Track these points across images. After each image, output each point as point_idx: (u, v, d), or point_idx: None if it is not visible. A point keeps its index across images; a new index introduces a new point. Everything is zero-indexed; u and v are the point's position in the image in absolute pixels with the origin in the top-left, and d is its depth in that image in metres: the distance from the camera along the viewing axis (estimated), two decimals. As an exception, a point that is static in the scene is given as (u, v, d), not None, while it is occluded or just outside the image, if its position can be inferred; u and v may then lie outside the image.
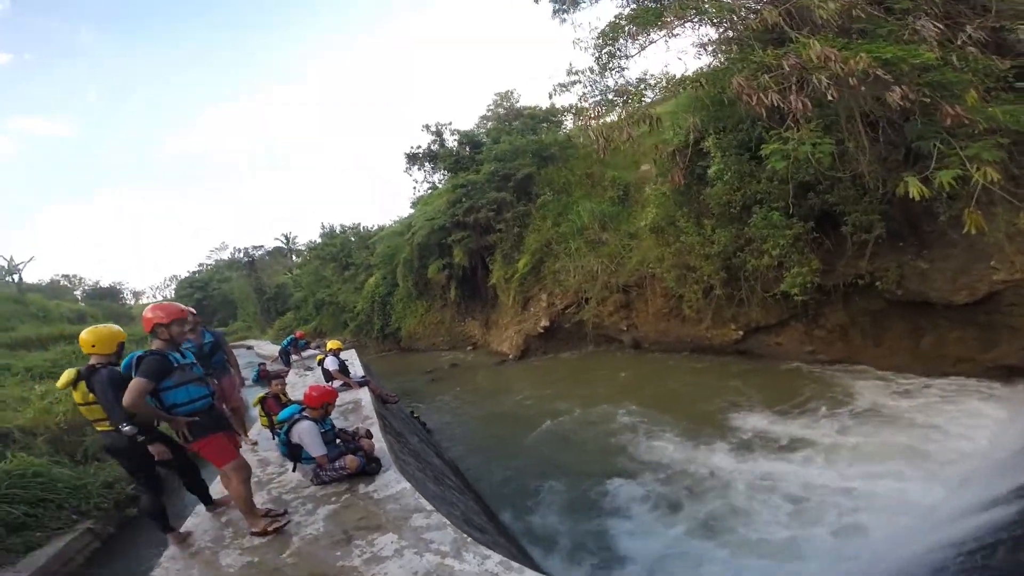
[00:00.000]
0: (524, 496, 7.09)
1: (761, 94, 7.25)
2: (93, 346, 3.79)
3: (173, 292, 57.85)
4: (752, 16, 8.67)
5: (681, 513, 6.03)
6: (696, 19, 9.44)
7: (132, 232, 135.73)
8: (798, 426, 7.57)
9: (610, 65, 10.80)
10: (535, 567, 4.60)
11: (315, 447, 4.29)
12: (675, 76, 10.39)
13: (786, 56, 7.17)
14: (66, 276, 51.88)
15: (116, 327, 4.01)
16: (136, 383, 3.31)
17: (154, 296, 62.35)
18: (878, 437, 6.78)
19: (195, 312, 5.15)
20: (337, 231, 35.92)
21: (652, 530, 5.84)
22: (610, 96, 10.90)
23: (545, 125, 22.01)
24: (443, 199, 20.60)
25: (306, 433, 4.29)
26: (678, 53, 11.73)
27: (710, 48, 9.92)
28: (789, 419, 7.85)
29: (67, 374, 3.85)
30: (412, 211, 26.38)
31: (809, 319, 9.96)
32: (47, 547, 6.13)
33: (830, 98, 6.91)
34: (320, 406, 4.51)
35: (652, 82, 10.55)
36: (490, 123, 24.29)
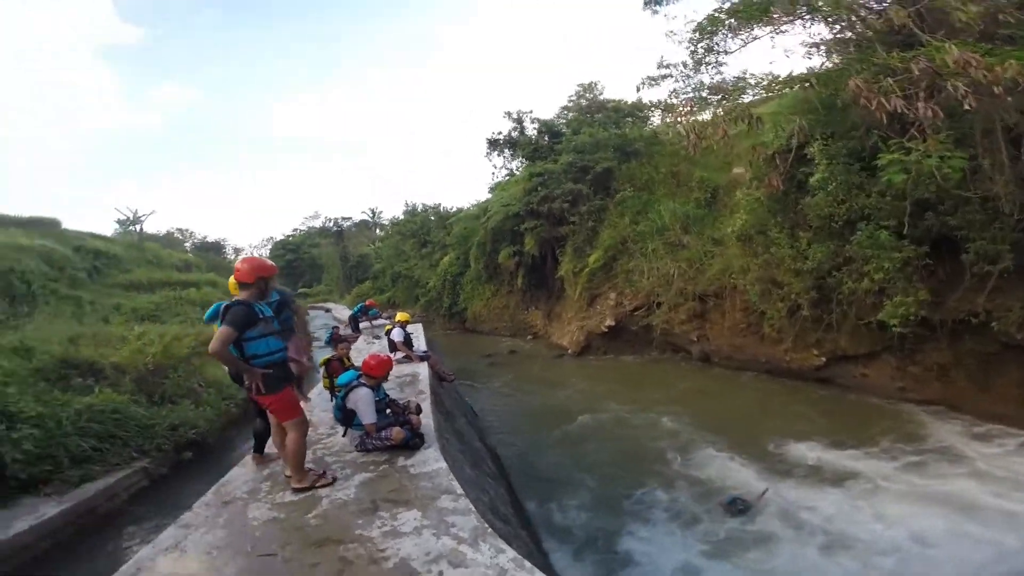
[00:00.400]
0: (553, 487, 7.12)
1: (882, 99, 6.60)
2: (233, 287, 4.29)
3: (268, 251, 62.54)
4: (875, 16, 7.91)
5: (700, 527, 5.88)
6: (808, 16, 8.74)
7: (238, 194, 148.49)
8: (853, 459, 7.04)
9: (706, 60, 10.26)
10: (546, 566, 4.66)
11: (367, 414, 4.41)
12: (779, 76, 9.60)
13: (915, 60, 6.48)
14: (180, 229, 57.47)
15: (261, 263, 4.41)
16: (222, 331, 3.40)
17: (252, 252, 67.41)
18: (938, 482, 6.20)
19: None
20: (419, 209, 37.02)
21: (667, 540, 5.74)
22: (704, 93, 10.35)
23: (630, 119, 21.19)
24: (519, 186, 20.58)
25: (361, 400, 4.43)
26: (785, 51, 10.69)
27: (822, 48, 9.12)
28: (848, 451, 7.28)
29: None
30: (489, 196, 26.69)
31: (905, 353, 8.96)
32: (99, 481, 6.25)
33: (967, 108, 6.14)
34: (378, 375, 4.64)
35: (752, 81, 9.82)
36: (571, 114, 23.67)
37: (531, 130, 23.06)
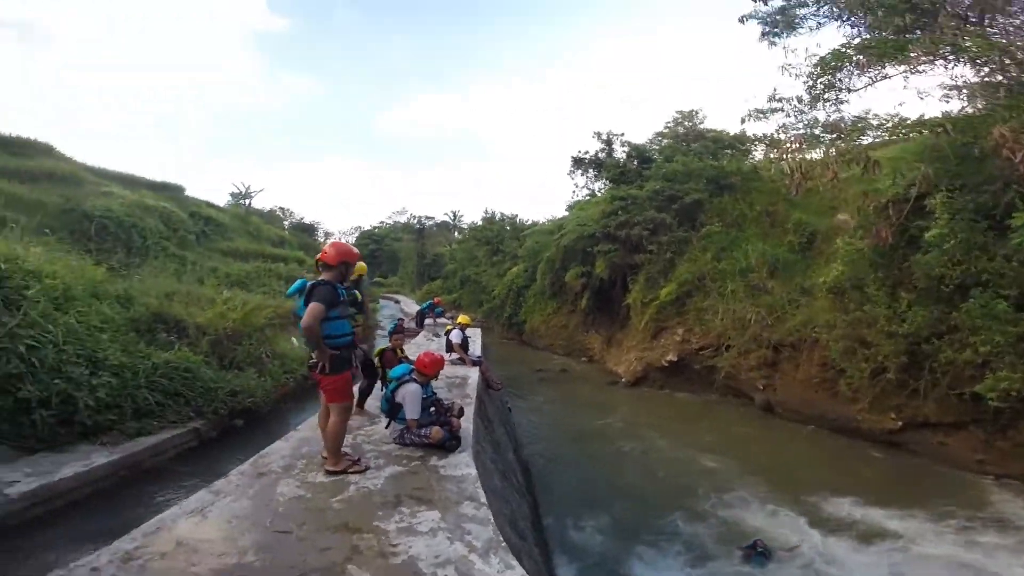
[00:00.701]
0: (576, 506, 7.20)
1: (1031, 150, 5.81)
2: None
3: (354, 239, 66.46)
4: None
5: (713, 567, 5.83)
6: (952, 57, 7.93)
7: (339, 182, 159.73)
8: (898, 519, 6.66)
9: (824, 96, 9.58)
10: None
11: (412, 409, 4.46)
12: (906, 118, 8.76)
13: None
14: (281, 208, 62.15)
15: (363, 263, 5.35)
16: (315, 307, 3.54)
17: (340, 238, 71.68)
18: (979, 549, 5.84)
19: None
20: (496, 218, 38.11)
21: (674, 574, 5.75)
22: (817, 130, 9.67)
23: (729, 152, 20.44)
24: (598, 208, 20.36)
25: (410, 395, 4.48)
26: (919, 93, 9.69)
27: (964, 91, 8.24)
28: (894, 511, 6.84)
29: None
30: (566, 213, 26.82)
31: (997, 427, 7.95)
32: (152, 436, 6.29)
33: None
34: (429, 373, 4.69)
35: (875, 122, 9.06)
36: (665, 140, 23.29)
37: (620, 153, 22.81)
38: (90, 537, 2.98)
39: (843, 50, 8.90)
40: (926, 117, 8.55)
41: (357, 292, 5.38)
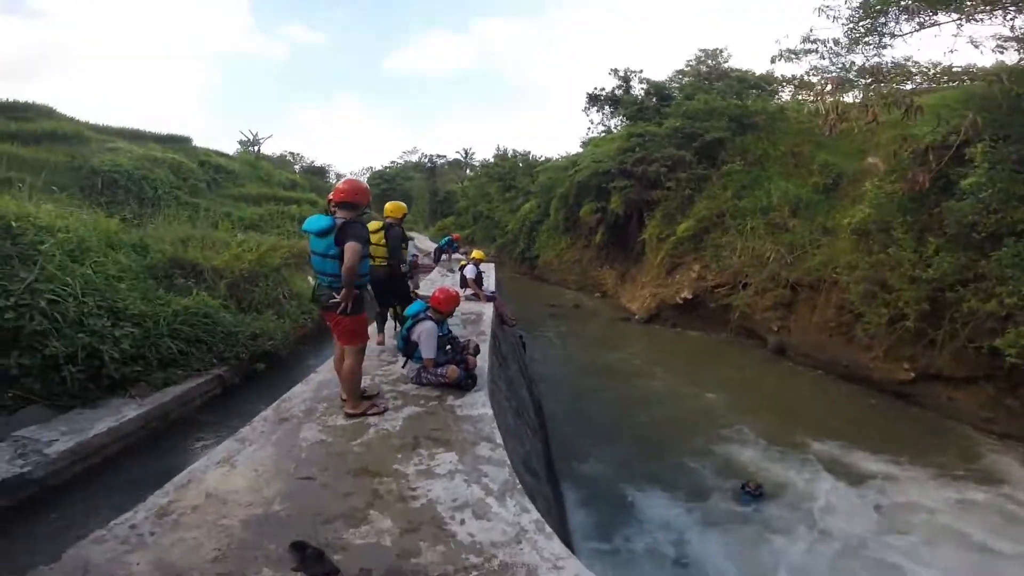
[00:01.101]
0: (585, 442, 7.49)
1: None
2: (391, 213, 5.73)
3: (365, 179, 65.70)
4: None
5: (710, 502, 6.15)
6: (1012, 7, 7.27)
7: (346, 125, 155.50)
8: (894, 467, 6.92)
9: (866, 40, 8.97)
10: (562, 519, 4.82)
11: (428, 348, 4.44)
12: (954, 66, 8.26)
13: None
14: (291, 153, 61.50)
15: (403, 204, 6.03)
16: (356, 247, 3.54)
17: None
18: (966, 507, 6.03)
19: None
20: (509, 155, 37.51)
21: (672, 505, 6.10)
22: (852, 74, 9.16)
23: (755, 92, 19.56)
24: (614, 144, 20.02)
25: (425, 333, 4.44)
26: (972, 41, 8.96)
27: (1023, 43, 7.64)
28: (889, 459, 7.11)
29: (375, 224, 5.35)
30: (580, 150, 26.47)
31: (1009, 385, 7.92)
32: (178, 386, 6.19)
33: None
34: (444, 310, 4.64)
35: (922, 68, 8.55)
36: (686, 79, 22.47)
37: (638, 90, 22.27)
38: (126, 492, 3.11)
39: None
40: (978, 66, 8.05)
41: (402, 230, 5.89)
